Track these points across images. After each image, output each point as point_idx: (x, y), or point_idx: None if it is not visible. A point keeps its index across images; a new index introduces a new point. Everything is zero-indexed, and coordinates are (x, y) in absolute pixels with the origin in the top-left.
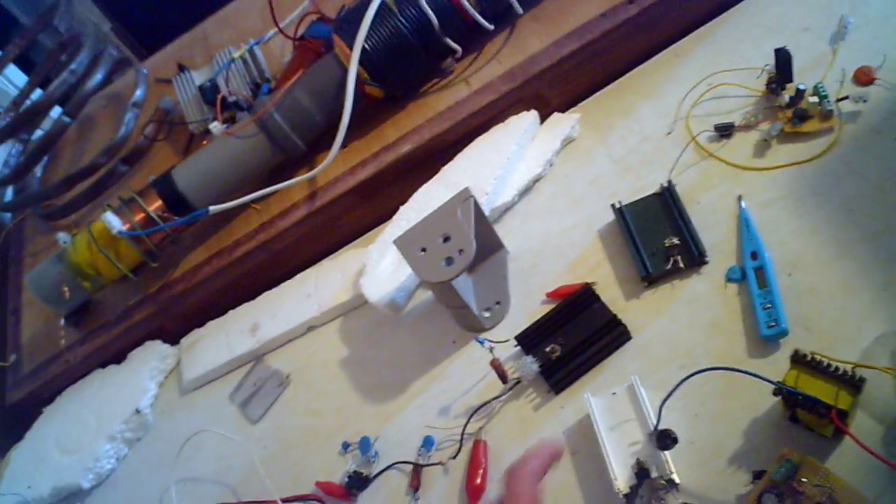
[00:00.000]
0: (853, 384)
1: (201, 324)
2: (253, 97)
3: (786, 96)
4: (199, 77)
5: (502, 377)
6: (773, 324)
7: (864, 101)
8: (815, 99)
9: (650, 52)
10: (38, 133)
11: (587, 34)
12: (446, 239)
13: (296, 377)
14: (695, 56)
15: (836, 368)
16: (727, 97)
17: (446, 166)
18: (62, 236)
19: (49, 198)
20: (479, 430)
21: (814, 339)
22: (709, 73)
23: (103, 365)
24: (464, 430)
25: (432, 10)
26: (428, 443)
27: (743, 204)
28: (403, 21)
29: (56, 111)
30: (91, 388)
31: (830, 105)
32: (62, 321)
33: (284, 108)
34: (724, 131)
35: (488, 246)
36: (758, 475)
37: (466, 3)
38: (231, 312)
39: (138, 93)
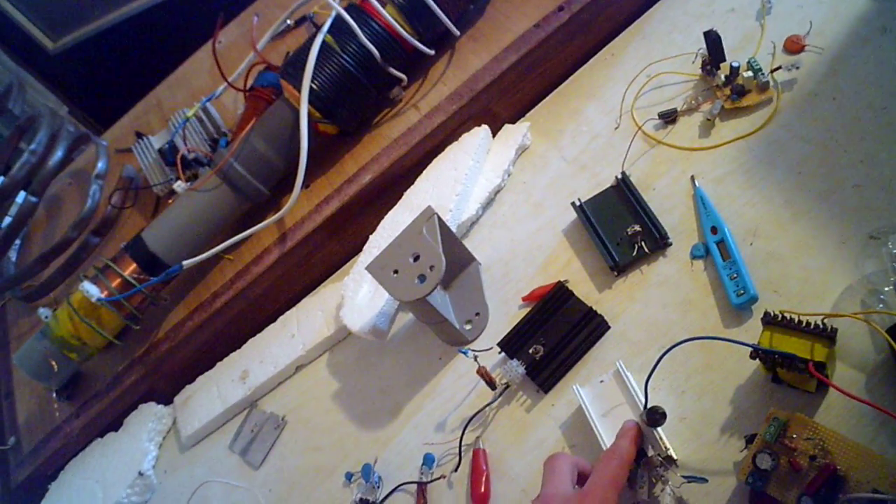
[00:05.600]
0: (826, 336)
1: (192, 379)
2: (212, 152)
3: (721, 75)
4: (157, 141)
5: (490, 384)
6: (742, 292)
7: (797, 67)
8: (749, 73)
9: (587, 55)
10: (7, 219)
11: (523, 46)
12: (416, 258)
13: (291, 417)
14: (630, 51)
15: (808, 323)
16: (666, 85)
17: (408, 191)
18: (43, 311)
19: (26, 279)
20: (477, 439)
21: (784, 300)
22: (645, 65)
23: (101, 434)
24: (461, 441)
25: (372, 43)
26: (429, 460)
27: (696, 183)
28: (346, 57)
29: (20, 196)
30: (93, 458)
31: (766, 77)
32: (54, 395)
33: (243, 156)
34: (668, 117)
35: (460, 260)
36: (750, 439)
37: (404, 33)
38: (219, 364)
39: (100, 165)
